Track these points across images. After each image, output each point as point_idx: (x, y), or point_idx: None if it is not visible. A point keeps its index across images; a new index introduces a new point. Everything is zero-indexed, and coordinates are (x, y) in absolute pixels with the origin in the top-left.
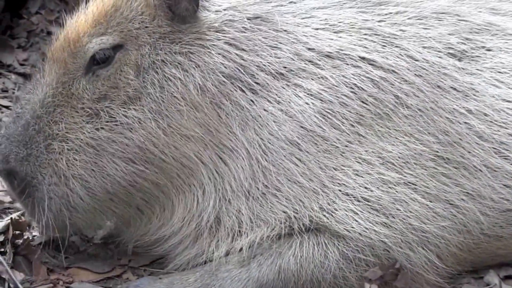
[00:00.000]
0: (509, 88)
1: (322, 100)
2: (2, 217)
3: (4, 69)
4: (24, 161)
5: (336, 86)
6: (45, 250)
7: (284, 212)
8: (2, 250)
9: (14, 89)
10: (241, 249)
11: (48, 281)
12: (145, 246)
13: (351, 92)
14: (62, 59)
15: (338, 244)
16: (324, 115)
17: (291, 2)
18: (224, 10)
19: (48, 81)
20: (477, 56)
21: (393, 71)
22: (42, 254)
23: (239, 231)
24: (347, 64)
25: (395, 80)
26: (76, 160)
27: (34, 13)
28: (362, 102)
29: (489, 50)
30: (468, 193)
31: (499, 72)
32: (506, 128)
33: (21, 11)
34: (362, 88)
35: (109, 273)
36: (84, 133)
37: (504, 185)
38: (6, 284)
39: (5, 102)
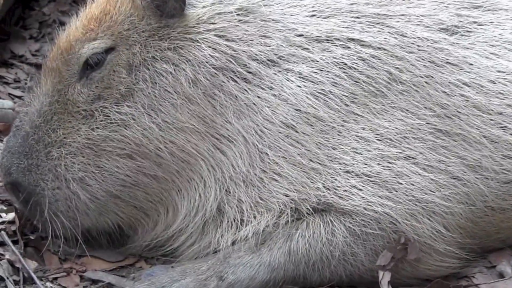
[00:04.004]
0: (503, 59)
1: (313, 82)
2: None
3: (17, 60)
4: (26, 171)
5: (327, 67)
6: (56, 239)
7: (286, 195)
8: (15, 239)
9: (26, 80)
10: (246, 238)
11: (61, 270)
12: (156, 247)
13: (342, 72)
14: (56, 68)
15: (345, 221)
16: (317, 96)
17: None
18: (211, 4)
19: (44, 91)
20: (468, 31)
21: (383, 48)
22: (54, 244)
23: (241, 219)
24: (336, 46)
25: (386, 57)
26: (75, 163)
27: (43, 5)
28: (354, 81)
29: (480, 24)
30: (469, 164)
31: (492, 46)
32: (503, 98)
33: (31, 3)
34: (352, 67)
35: (122, 262)
36: (80, 135)
37: (504, 156)
38: (21, 274)
39: (17, 92)
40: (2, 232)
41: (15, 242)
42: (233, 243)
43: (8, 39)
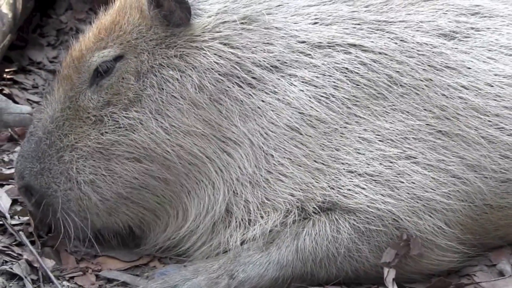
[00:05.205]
0: (499, 63)
1: (316, 86)
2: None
3: (35, 66)
4: (38, 175)
5: (328, 72)
6: (74, 240)
7: (292, 195)
8: (32, 239)
9: (44, 85)
10: (255, 237)
11: (78, 269)
12: (169, 247)
13: (344, 76)
14: (68, 76)
15: (349, 218)
16: (319, 99)
17: (279, 4)
18: (216, 14)
19: (57, 98)
20: (466, 36)
21: (384, 53)
22: (71, 244)
23: (249, 219)
24: (338, 52)
25: (387, 62)
26: (86, 166)
27: (60, 14)
28: (355, 84)
29: (478, 30)
30: (468, 164)
31: (489, 50)
32: (500, 101)
33: (49, 11)
34: (354, 71)
35: (136, 261)
36: (90, 139)
37: (502, 156)
38: (40, 273)
39: (35, 98)
40: (20, 232)
41: (32, 243)
42: (242, 243)
43: (26, 46)
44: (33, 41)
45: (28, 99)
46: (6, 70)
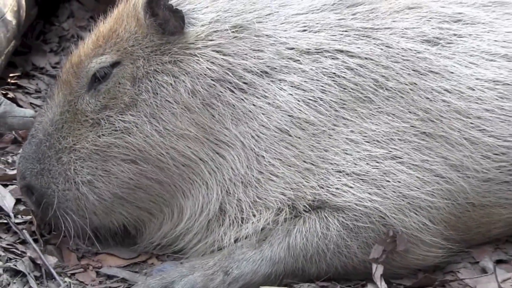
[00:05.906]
0: (481, 68)
1: (304, 90)
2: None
3: (38, 72)
4: (39, 175)
5: (316, 76)
6: (75, 238)
7: (283, 194)
8: (35, 238)
9: (46, 90)
10: (248, 235)
11: (79, 266)
12: (166, 245)
13: (331, 80)
14: (67, 81)
15: (338, 216)
16: (308, 103)
17: (270, 13)
18: (209, 23)
19: (56, 102)
20: (449, 42)
21: (370, 58)
22: (73, 242)
23: (242, 218)
24: (325, 57)
25: (373, 67)
26: (83, 167)
27: (63, 21)
28: (343, 88)
29: (460, 37)
30: (451, 164)
31: (471, 56)
32: (481, 104)
33: (51, 19)
34: (341, 76)
35: (135, 258)
36: (88, 141)
37: (484, 156)
38: (43, 270)
39: (38, 102)
40: (24, 230)
41: (35, 241)
42: (236, 241)
43: (29, 52)
44: (36, 47)
45: (31, 103)
46: (11, 75)
